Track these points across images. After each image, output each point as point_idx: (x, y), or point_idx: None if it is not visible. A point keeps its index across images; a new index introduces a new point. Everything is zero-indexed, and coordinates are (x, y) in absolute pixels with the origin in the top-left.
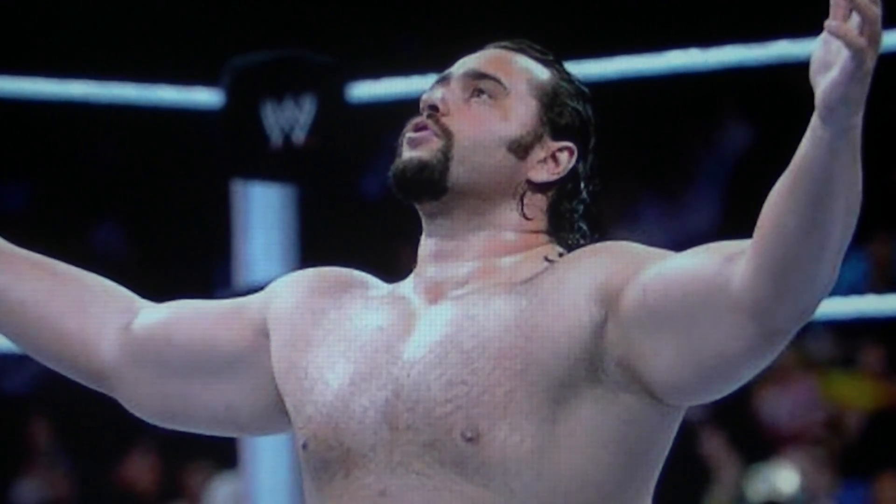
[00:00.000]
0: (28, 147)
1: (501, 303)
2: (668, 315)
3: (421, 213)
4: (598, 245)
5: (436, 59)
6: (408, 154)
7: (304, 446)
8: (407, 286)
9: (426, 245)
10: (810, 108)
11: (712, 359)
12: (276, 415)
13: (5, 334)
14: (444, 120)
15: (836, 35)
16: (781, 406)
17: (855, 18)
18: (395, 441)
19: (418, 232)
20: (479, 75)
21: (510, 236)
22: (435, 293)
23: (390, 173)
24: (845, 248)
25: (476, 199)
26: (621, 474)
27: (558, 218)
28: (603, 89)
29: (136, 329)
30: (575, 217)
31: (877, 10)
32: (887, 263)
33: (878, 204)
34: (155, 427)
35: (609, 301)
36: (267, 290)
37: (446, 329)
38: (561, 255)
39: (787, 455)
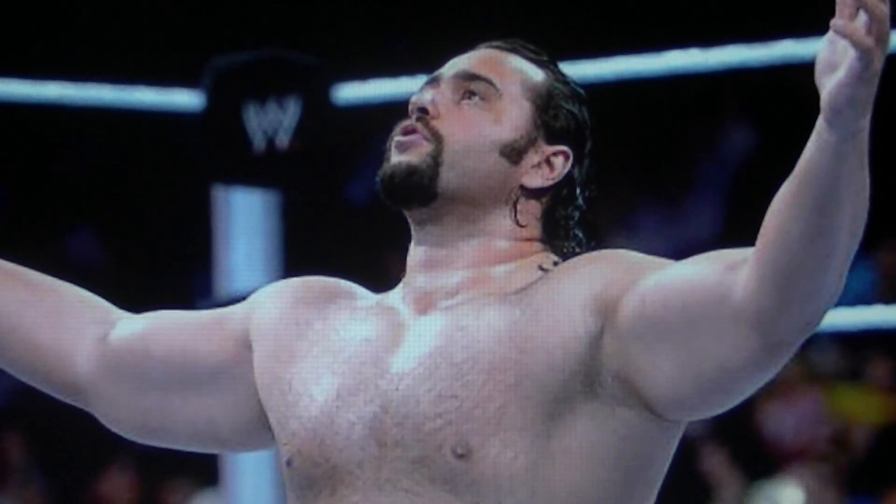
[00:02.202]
0: None
1: (494, 314)
2: (668, 326)
3: (410, 220)
4: (595, 253)
5: (425, 60)
6: (396, 158)
7: (289, 463)
8: (395, 296)
9: (415, 253)
10: (815, 111)
11: (713, 371)
12: (260, 430)
13: None
14: (433, 123)
15: (843, 34)
16: (785, 421)
17: (862, 17)
18: (382, 457)
19: (407, 240)
20: (470, 76)
21: (503, 244)
22: (424, 303)
23: (378, 178)
24: (852, 256)
25: (467, 206)
26: (619, 492)
27: (553, 225)
28: (599, 91)
29: (113, 341)
30: (570, 224)
31: (885, 9)
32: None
33: (886, 210)
34: (133, 442)
35: (606, 312)
36: (249, 300)
37: (436, 341)
38: (556, 263)
39: (792, 472)
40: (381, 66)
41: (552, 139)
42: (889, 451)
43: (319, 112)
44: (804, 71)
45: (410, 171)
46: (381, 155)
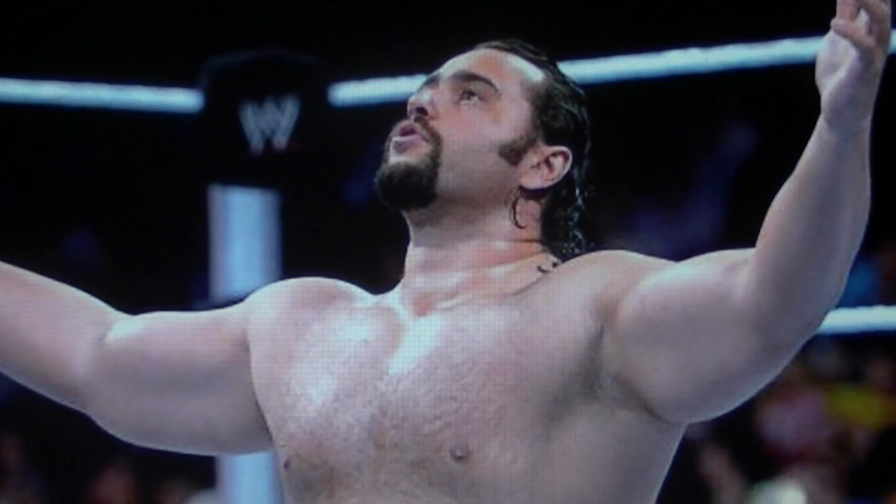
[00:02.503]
0: None
1: (493, 315)
2: (668, 328)
3: (408, 221)
4: (594, 254)
5: (424, 60)
6: (395, 159)
7: (286, 465)
8: (394, 297)
9: (414, 254)
10: (816, 111)
11: (713, 373)
12: (257, 432)
13: None
14: (432, 123)
15: (844, 34)
16: (786, 423)
17: (863, 17)
18: (381, 460)
19: (405, 241)
20: (469, 77)
21: (502, 245)
22: (423, 305)
23: (376, 179)
24: (853, 257)
25: (466, 207)
26: (618, 495)
27: (552, 226)
28: (599, 91)
29: (109, 342)
30: (569, 225)
31: (886, 9)
32: None
33: (887, 211)
34: (130, 445)
35: (605, 313)
36: (247, 301)
37: (435, 342)
38: (555, 264)
39: (792, 474)
40: (379, 66)
41: (551, 140)
42: (890, 454)
43: (317, 112)
44: (805, 71)
45: (409, 172)
46: (380, 156)
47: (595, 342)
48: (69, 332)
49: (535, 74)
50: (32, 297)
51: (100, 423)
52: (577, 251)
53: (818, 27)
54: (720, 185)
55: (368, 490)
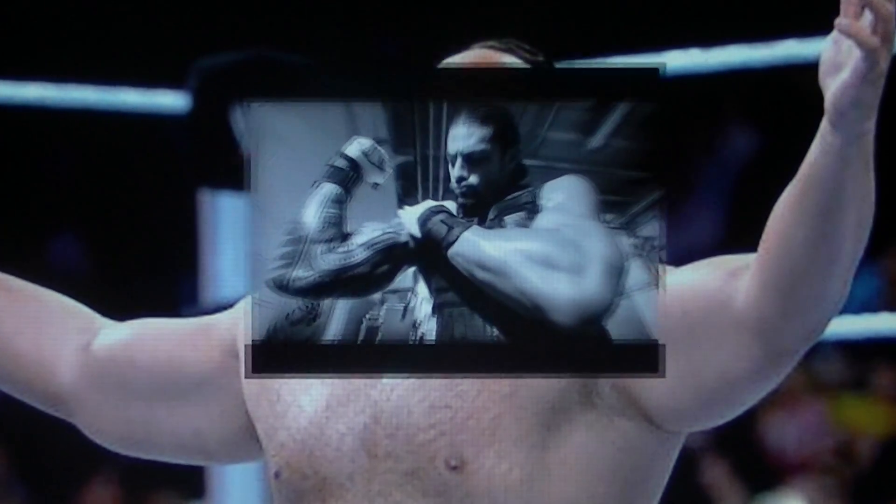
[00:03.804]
0: None
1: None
2: (667, 334)
3: None
4: None
5: (417, 60)
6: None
7: (277, 475)
8: None
9: None
10: (820, 113)
11: (714, 381)
12: (247, 441)
13: None
14: None
15: (848, 34)
16: (788, 432)
17: (867, 16)
18: (374, 469)
19: None
20: None
21: None
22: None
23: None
24: (857, 262)
25: None
26: None
27: None
28: None
29: (96, 349)
30: None
31: (891, 8)
32: None
33: (891, 215)
34: (117, 454)
35: None
36: (236, 307)
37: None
38: None
39: (795, 484)
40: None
41: None
42: (895, 464)
43: None
44: (808, 72)
45: None
46: None
47: None
48: (54, 339)
49: None
50: (16, 303)
51: (86, 432)
52: None
53: (821, 27)
54: (721, 189)
55: (361, 500)
